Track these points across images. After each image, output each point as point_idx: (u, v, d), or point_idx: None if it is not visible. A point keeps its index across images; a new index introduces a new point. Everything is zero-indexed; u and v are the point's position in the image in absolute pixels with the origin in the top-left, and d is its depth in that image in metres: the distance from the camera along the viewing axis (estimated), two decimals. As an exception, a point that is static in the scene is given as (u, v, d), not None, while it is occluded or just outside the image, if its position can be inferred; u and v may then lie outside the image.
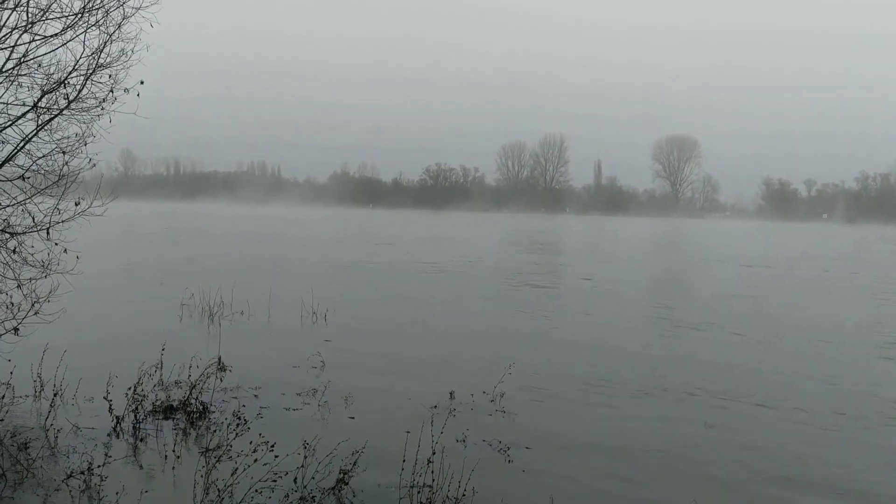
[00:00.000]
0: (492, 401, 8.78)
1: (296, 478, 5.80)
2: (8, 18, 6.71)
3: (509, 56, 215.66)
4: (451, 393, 8.96)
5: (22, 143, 7.02)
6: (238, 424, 7.13)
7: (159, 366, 8.14)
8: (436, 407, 8.37)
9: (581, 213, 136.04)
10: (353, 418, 7.95)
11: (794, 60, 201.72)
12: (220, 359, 8.33)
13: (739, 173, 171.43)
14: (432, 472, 5.60)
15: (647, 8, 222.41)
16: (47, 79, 6.98)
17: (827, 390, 10.03)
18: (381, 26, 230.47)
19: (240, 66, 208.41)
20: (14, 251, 7.14)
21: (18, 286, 7.32)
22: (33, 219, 7.19)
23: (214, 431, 7.14)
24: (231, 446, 6.36)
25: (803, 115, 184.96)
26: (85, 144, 7.26)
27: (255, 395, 8.54)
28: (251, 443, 6.21)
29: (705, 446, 7.51)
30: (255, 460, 5.83)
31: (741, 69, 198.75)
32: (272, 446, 5.90)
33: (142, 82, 7.08)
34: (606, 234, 63.73)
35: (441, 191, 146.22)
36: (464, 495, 5.53)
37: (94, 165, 7.43)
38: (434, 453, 5.64)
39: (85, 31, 6.92)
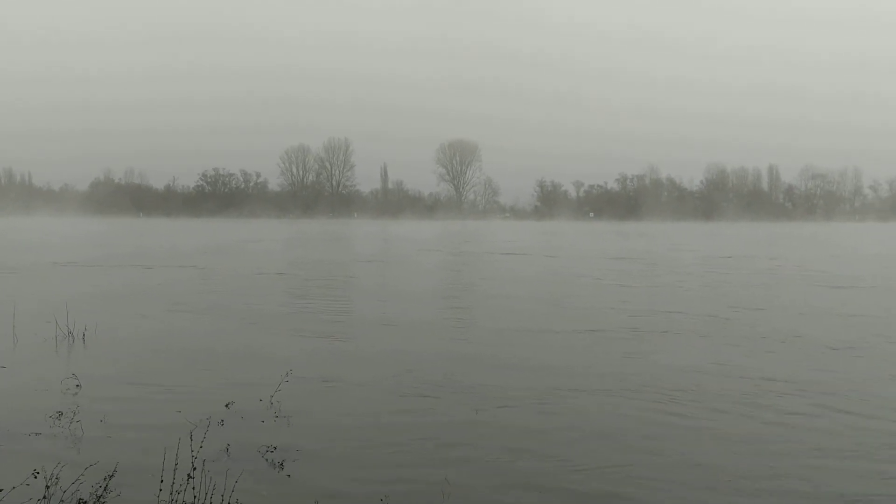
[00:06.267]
0: (268, 408, 8.48)
1: (35, 511, 5.18)
2: None
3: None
4: (226, 404, 8.54)
5: None
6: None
7: None
8: (208, 419, 7.91)
9: (370, 217, 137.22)
10: (110, 437, 7.29)
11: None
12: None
13: (518, 177, 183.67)
14: (193, 487, 5.24)
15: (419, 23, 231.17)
16: None
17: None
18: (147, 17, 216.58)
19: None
20: None
21: None
22: None
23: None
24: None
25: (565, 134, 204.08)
26: None
27: (-6, 425, 7.56)
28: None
29: (474, 433, 7.74)
30: (-18, 497, 5.12)
31: (516, 87, 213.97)
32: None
33: None
34: (382, 237, 64.76)
35: (220, 197, 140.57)
36: (227, 508, 5.25)
37: None
38: (194, 468, 5.28)
39: None
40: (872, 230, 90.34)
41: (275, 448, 7.00)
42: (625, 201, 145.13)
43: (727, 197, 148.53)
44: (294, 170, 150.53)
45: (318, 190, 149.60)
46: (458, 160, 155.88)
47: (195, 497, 5.24)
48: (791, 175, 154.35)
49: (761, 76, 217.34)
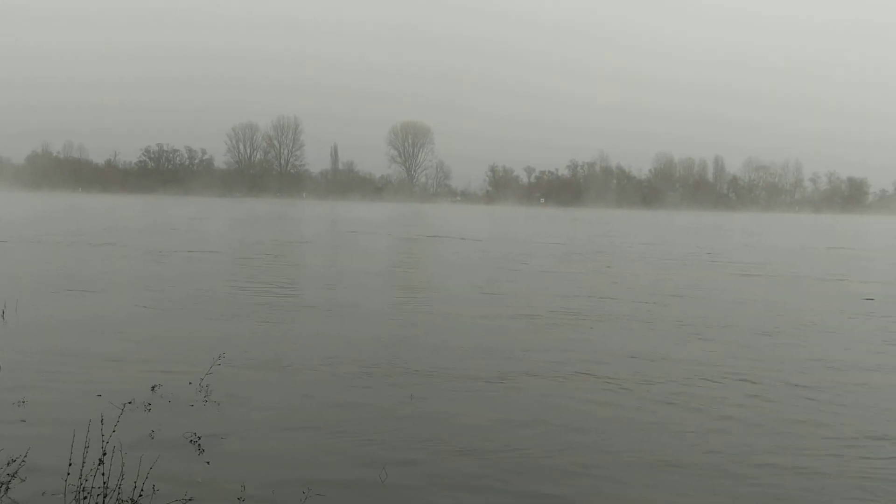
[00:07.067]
0: (197, 392, 8.25)
1: (-68, 499, 4.92)
2: None
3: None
4: (152, 387, 8.30)
5: None
6: None
7: None
8: (131, 402, 7.67)
9: (319, 198, 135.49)
10: (24, 421, 7.01)
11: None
12: None
13: (471, 161, 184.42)
14: (103, 473, 5.03)
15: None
16: None
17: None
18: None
19: None
20: None
21: None
22: None
23: None
24: None
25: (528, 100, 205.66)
26: None
27: None
28: None
29: (412, 420, 7.66)
30: None
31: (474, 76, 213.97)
32: None
33: None
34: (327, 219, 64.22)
35: (164, 173, 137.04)
36: (141, 495, 5.06)
37: None
38: (104, 453, 5.07)
39: None
40: (802, 221, 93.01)
41: (200, 434, 6.81)
42: (574, 188, 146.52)
43: (673, 186, 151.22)
44: (241, 147, 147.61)
45: (265, 168, 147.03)
46: (410, 142, 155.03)
47: (105, 482, 5.03)
48: (735, 166, 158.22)
49: (713, 76, 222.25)
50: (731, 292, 18.72)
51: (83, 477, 5.05)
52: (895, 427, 7.80)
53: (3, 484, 5.12)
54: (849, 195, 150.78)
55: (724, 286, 20.10)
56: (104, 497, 5.03)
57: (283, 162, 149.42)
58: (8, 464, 5.30)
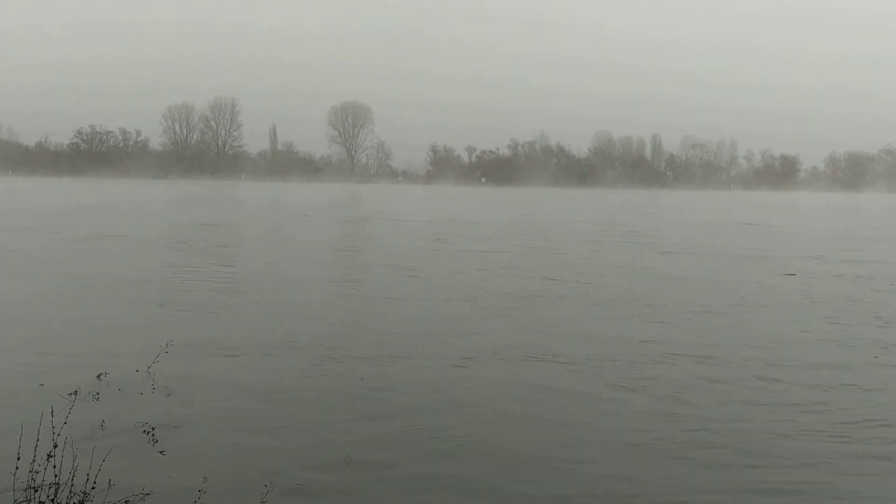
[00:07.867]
0: (145, 380, 8.01)
1: None
2: None
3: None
4: (98, 375, 8.01)
5: None
6: None
7: None
8: (77, 392, 7.38)
9: (258, 179, 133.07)
10: (-38, 416, 6.70)
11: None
12: None
13: (412, 142, 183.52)
14: (54, 466, 4.83)
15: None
16: None
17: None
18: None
19: None
20: None
21: None
22: None
23: None
24: None
25: (469, 86, 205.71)
26: None
27: None
28: None
29: (361, 399, 7.62)
30: None
31: (413, 36, 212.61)
32: None
33: None
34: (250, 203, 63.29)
35: (96, 155, 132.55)
36: (94, 488, 4.87)
37: None
38: (55, 446, 4.86)
39: None
40: (733, 199, 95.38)
41: (153, 423, 6.60)
42: (515, 167, 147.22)
43: (613, 164, 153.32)
44: (177, 128, 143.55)
45: (202, 150, 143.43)
46: (350, 122, 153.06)
47: (56, 477, 4.84)
48: (673, 145, 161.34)
49: (650, 59, 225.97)
50: (662, 270, 19.09)
51: (33, 471, 4.84)
52: (848, 399, 8.10)
53: (-55, 482, 4.87)
54: (781, 172, 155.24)
55: (653, 264, 20.44)
56: (56, 492, 4.84)
57: (220, 143, 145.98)
58: (-50, 461, 5.04)
